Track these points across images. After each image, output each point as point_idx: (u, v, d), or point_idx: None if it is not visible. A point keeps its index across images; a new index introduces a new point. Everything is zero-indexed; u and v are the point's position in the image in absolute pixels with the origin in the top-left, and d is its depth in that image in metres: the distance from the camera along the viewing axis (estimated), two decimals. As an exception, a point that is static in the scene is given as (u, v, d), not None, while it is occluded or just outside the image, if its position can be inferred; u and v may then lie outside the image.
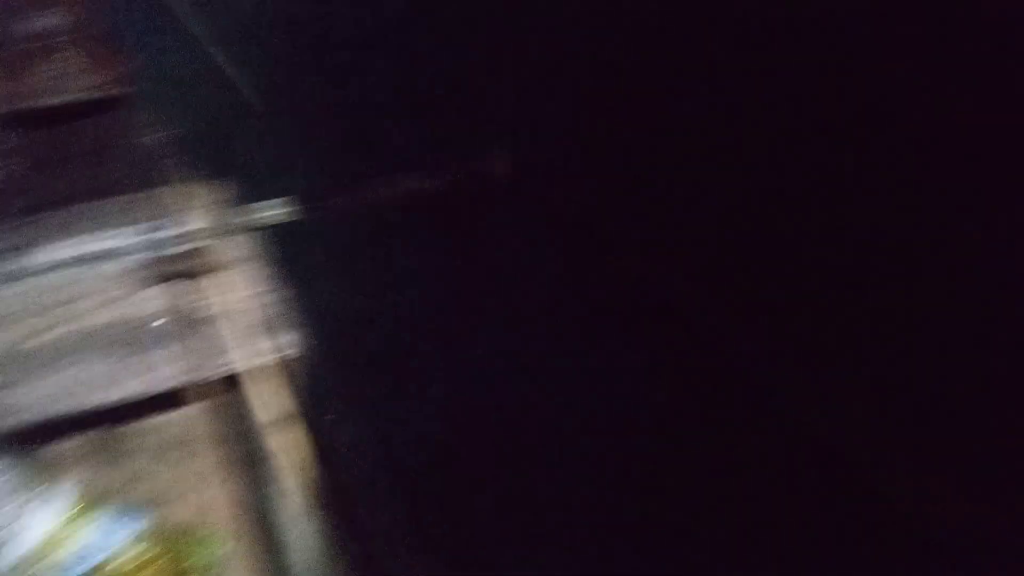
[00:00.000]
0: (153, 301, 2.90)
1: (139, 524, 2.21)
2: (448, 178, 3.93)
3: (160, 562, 2.18)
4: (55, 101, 4.26)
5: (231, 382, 2.69)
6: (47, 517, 2.11)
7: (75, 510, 2.16)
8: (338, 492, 2.27)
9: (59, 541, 2.09)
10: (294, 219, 3.53)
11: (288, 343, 2.77)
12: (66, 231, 3.23)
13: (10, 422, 2.44)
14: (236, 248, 3.16)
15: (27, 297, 2.90)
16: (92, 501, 2.22)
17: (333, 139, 4.38)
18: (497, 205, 3.74)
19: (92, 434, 2.65)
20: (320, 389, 2.63)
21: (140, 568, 2.14)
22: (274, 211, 3.51)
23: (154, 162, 3.66)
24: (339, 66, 4.59)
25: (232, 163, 3.88)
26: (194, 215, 3.29)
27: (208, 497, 2.50)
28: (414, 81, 4.27)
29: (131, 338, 2.75)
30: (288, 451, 2.44)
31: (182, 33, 4.69)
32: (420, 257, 3.75)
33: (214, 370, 2.67)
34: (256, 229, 3.37)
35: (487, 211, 3.73)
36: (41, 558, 2.06)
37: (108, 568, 2.11)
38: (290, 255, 3.30)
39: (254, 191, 3.50)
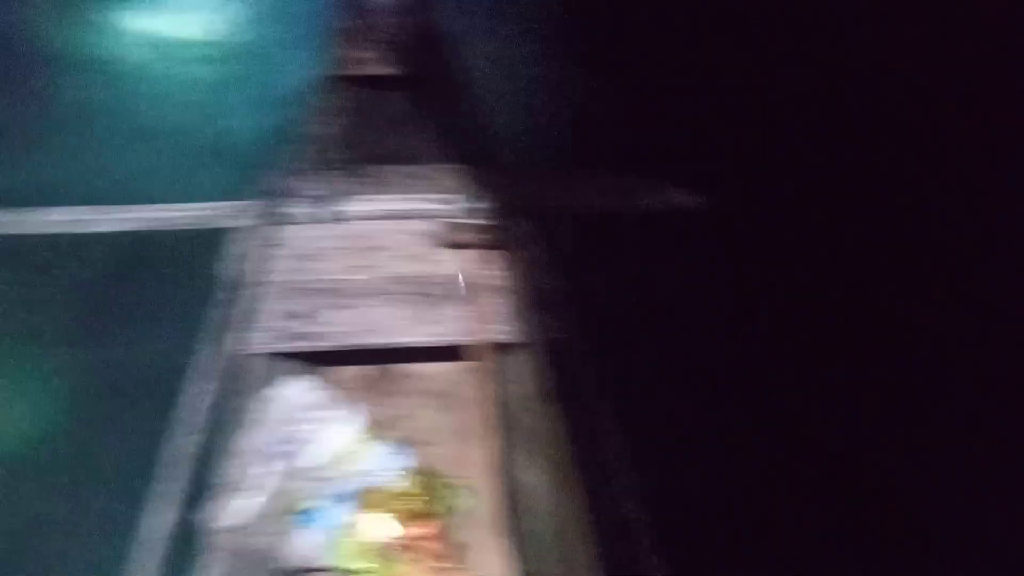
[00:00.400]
0: (445, 263, 3.17)
1: (408, 460, 2.44)
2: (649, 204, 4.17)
3: (416, 498, 2.39)
4: (382, 71, 4.77)
5: (502, 349, 2.87)
6: (341, 435, 2.40)
7: (363, 435, 2.44)
8: (587, 473, 2.36)
9: (346, 458, 2.37)
10: (566, 212, 3.68)
11: (556, 324, 2.90)
12: (379, 187, 3.61)
13: (316, 344, 2.78)
14: (520, 229, 3.36)
15: (342, 239, 3.29)
16: (376, 430, 2.50)
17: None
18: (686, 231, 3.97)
19: (379, 369, 2.97)
20: (581, 371, 2.73)
21: (400, 499, 2.37)
22: (548, 201, 3.68)
23: (460, 138, 3.98)
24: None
25: (527, 152, 4.16)
26: (488, 193, 3.53)
27: (464, 449, 2.70)
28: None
29: (422, 291, 3.03)
30: (544, 424, 2.56)
31: (506, 25, 5.10)
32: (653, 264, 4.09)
33: (488, 335, 2.86)
34: (536, 216, 3.55)
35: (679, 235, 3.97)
36: (328, 468, 2.36)
37: (376, 492, 2.36)
38: (564, 243, 3.48)
39: (543, 182, 3.73)
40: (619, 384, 3.13)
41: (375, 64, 4.78)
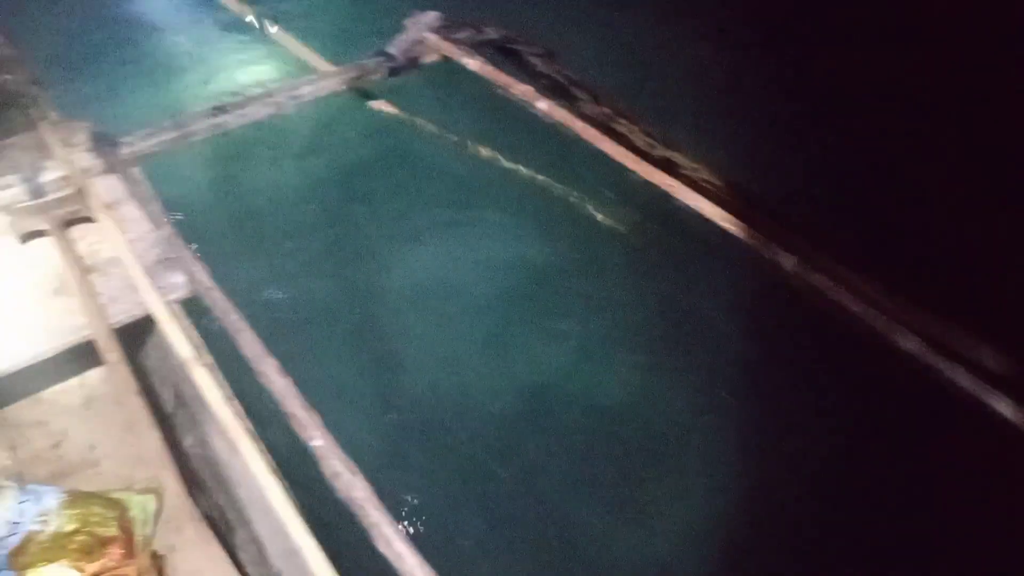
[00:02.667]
0: (31, 256, 2.67)
1: (54, 495, 2.09)
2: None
3: (84, 530, 2.07)
4: None
5: (136, 328, 2.51)
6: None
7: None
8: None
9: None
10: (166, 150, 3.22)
11: (183, 283, 2.56)
12: None
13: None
14: (115, 187, 2.91)
15: None
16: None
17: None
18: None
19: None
20: (220, 328, 2.44)
21: (63, 539, 2.03)
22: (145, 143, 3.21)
23: (18, 106, 3.30)
24: None
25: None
26: (68, 157, 2.98)
27: (131, 451, 2.38)
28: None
29: (12, 299, 2.53)
30: (205, 390, 2.28)
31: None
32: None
33: (117, 318, 2.47)
34: (131, 165, 3.08)
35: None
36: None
37: (29, 546, 2.01)
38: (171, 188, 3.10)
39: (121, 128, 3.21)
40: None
41: None
